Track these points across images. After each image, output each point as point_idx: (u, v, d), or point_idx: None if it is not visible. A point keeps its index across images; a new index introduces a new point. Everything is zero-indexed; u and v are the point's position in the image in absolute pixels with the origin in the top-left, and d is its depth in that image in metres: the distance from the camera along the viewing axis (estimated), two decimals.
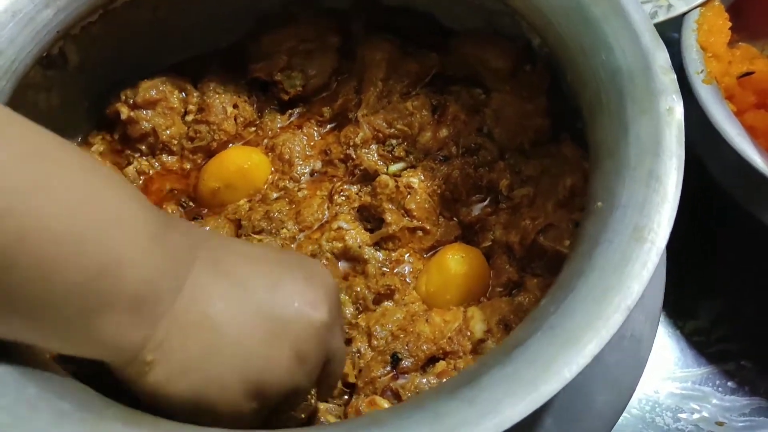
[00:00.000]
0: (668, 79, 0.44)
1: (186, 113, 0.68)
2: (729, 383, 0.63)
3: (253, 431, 0.38)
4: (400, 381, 0.53)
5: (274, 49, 0.68)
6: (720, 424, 0.61)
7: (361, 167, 0.63)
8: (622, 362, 0.49)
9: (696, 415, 0.62)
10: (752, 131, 0.57)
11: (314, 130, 0.68)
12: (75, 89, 0.66)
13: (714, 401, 0.62)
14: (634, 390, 0.49)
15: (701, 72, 0.58)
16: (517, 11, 0.55)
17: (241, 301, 0.37)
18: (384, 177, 0.59)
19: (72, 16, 0.55)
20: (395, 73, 0.66)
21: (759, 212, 0.59)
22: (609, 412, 0.48)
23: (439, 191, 0.60)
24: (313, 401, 0.47)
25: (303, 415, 0.47)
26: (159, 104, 0.66)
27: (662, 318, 0.65)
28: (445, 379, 0.49)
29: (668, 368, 0.65)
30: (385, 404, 0.52)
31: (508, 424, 0.33)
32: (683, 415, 0.62)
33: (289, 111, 0.69)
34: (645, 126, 0.42)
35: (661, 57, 0.45)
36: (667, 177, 0.40)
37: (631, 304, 0.36)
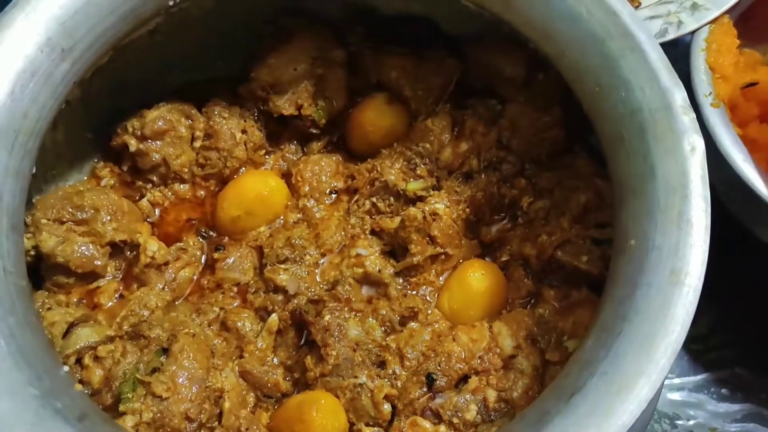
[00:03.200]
0: (688, 118, 0.46)
1: (194, 139, 0.68)
2: (723, 390, 0.68)
3: None
4: (438, 401, 0.56)
5: (286, 74, 0.67)
6: (713, 429, 0.66)
7: (382, 179, 0.65)
8: None
9: (692, 422, 0.66)
10: (754, 144, 0.60)
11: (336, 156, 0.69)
12: (78, 123, 0.65)
13: (709, 408, 0.67)
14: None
15: (709, 95, 0.61)
16: (529, 39, 0.56)
17: None
18: (413, 210, 0.61)
19: (87, 64, 0.54)
20: (418, 88, 0.67)
21: (757, 230, 0.62)
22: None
23: (463, 216, 0.62)
24: None
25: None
26: (167, 134, 0.66)
27: None
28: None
29: (667, 377, 0.69)
30: (426, 424, 0.55)
31: None
32: (680, 422, 0.66)
33: (314, 141, 0.70)
34: (671, 167, 0.45)
35: (679, 96, 0.47)
36: (697, 219, 0.43)
37: (677, 347, 0.40)
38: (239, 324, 0.60)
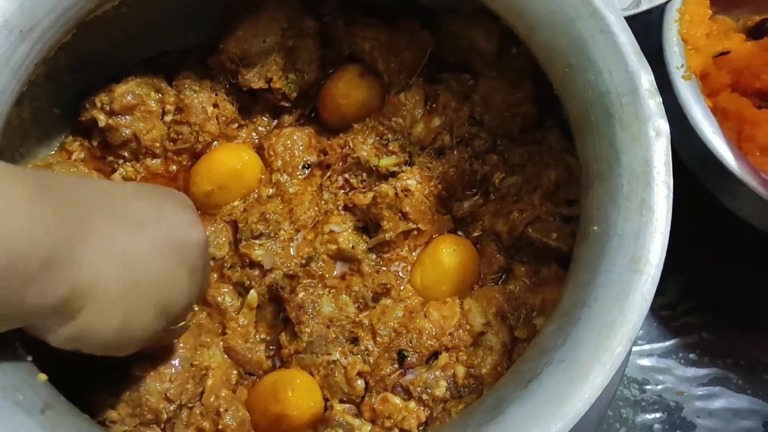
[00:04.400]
0: (654, 102, 0.46)
1: (164, 113, 0.67)
2: (691, 355, 0.69)
3: None
4: (408, 377, 0.57)
5: (255, 46, 0.66)
6: (680, 393, 0.68)
7: (354, 155, 0.65)
8: None
9: (660, 386, 0.68)
10: (724, 114, 0.60)
11: (309, 129, 0.68)
12: (44, 98, 0.64)
13: (677, 372, 0.68)
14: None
15: (681, 67, 0.60)
16: (500, 16, 0.55)
17: (143, 238, 0.41)
18: (384, 187, 0.61)
19: (48, 45, 0.53)
20: (391, 60, 0.66)
21: (725, 200, 0.63)
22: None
23: (435, 191, 0.63)
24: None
25: (192, 322, 0.56)
26: (137, 109, 0.65)
27: None
28: (463, 406, 0.53)
29: (636, 343, 0.70)
30: (397, 400, 0.56)
31: None
32: (648, 387, 0.68)
33: (286, 114, 0.69)
34: (636, 153, 0.45)
35: (646, 80, 0.47)
36: (658, 207, 0.44)
37: (632, 335, 0.41)
38: (219, 299, 0.61)
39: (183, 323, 0.51)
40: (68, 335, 0.39)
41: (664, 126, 0.46)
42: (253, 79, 0.66)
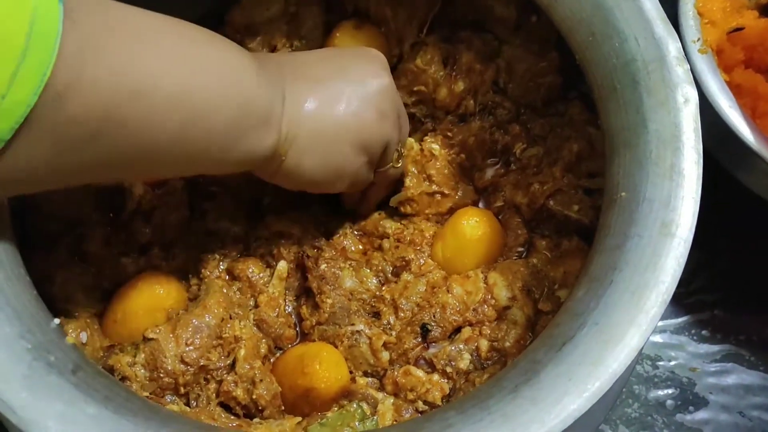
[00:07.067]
0: (682, 69, 0.46)
1: None
2: (703, 332, 0.70)
3: None
4: (431, 350, 0.57)
5: (259, 15, 0.65)
6: (693, 369, 0.68)
7: None
8: None
9: (673, 362, 0.69)
10: (738, 90, 0.61)
11: None
12: None
13: (689, 349, 0.69)
14: None
15: (697, 41, 0.60)
16: None
17: (325, 91, 0.51)
18: (409, 140, 0.61)
19: None
20: (400, 10, 0.65)
21: (740, 175, 0.63)
22: None
23: (457, 159, 0.62)
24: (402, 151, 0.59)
25: (399, 164, 0.59)
26: None
27: None
28: (495, 374, 0.53)
29: None
30: (420, 373, 0.56)
31: (570, 421, 0.38)
32: (661, 363, 0.69)
33: None
34: (664, 119, 0.45)
35: (673, 47, 0.47)
36: (688, 171, 0.44)
37: (667, 298, 0.41)
38: (249, 272, 0.59)
39: (391, 165, 0.58)
40: (280, 175, 0.51)
41: (692, 93, 0.46)
42: (258, 48, 0.65)
